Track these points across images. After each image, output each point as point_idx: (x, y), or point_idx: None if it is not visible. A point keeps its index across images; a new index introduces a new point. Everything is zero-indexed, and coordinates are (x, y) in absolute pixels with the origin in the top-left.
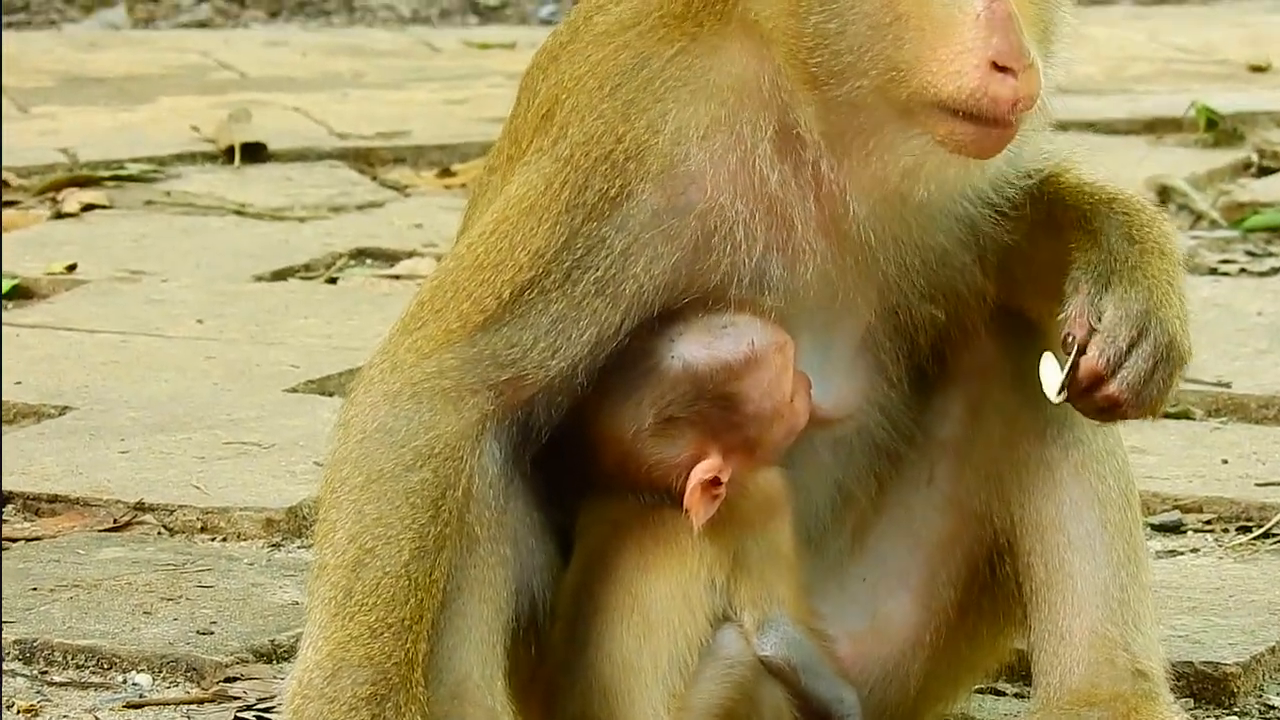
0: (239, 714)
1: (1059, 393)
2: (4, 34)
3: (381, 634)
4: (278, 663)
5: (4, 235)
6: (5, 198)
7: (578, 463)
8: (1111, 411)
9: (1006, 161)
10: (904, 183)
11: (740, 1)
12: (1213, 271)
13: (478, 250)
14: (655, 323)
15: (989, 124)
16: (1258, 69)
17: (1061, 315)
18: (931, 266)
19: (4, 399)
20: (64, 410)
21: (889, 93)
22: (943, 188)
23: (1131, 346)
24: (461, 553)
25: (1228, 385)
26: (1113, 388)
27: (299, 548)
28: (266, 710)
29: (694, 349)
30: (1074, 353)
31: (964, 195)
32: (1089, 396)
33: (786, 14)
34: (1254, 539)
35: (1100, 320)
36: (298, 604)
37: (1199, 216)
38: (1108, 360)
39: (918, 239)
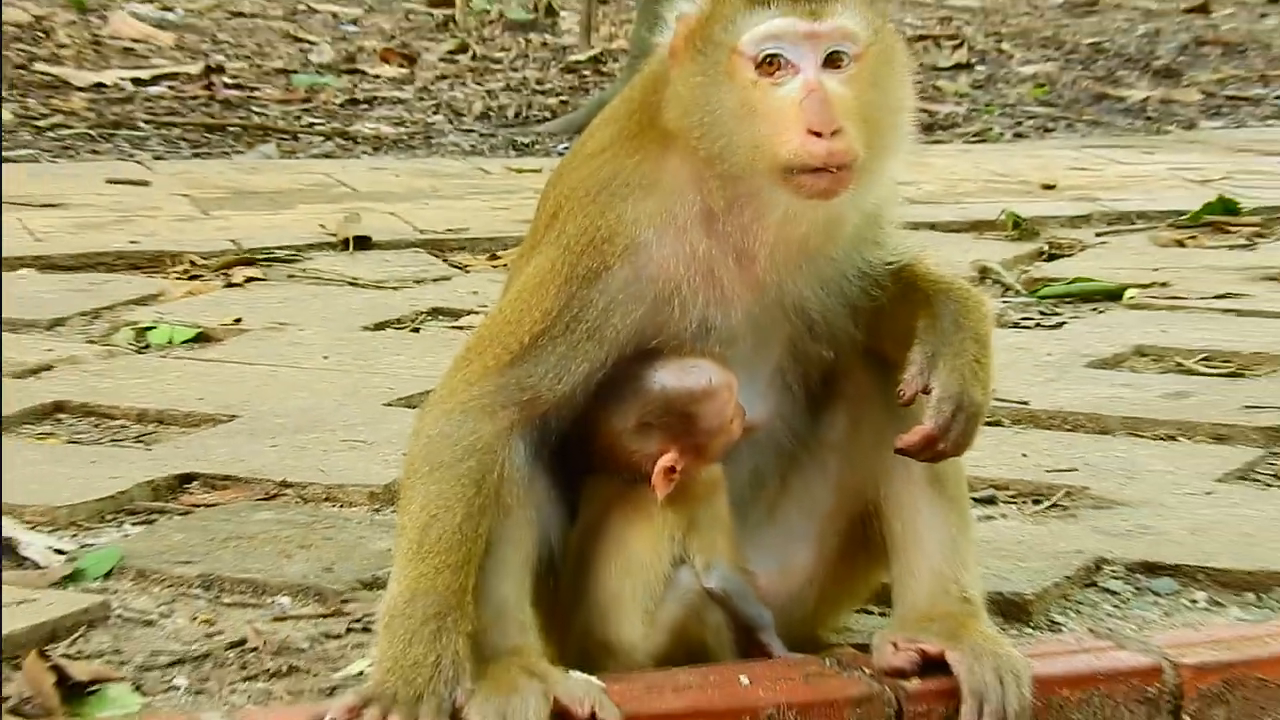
0: (350, 625)
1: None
2: (193, 161)
3: (443, 571)
4: (376, 590)
5: (191, 299)
6: (192, 273)
7: (581, 453)
8: (938, 457)
9: (871, 252)
10: (786, 228)
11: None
12: (1016, 326)
13: (506, 312)
14: (642, 357)
15: (819, 173)
16: (1048, 187)
17: (902, 379)
18: (821, 317)
19: (193, 412)
20: (232, 418)
21: (755, 165)
22: (814, 227)
23: (953, 415)
24: (499, 518)
25: (1026, 403)
26: (941, 445)
27: (390, 512)
28: (369, 622)
29: (670, 378)
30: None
31: (840, 263)
32: (924, 450)
33: (681, 115)
34: (1044, 509)
35: (930, 394)
36: (389, 551)
37: (1008, 288)
38: (936, 427)
39: (811, 292)
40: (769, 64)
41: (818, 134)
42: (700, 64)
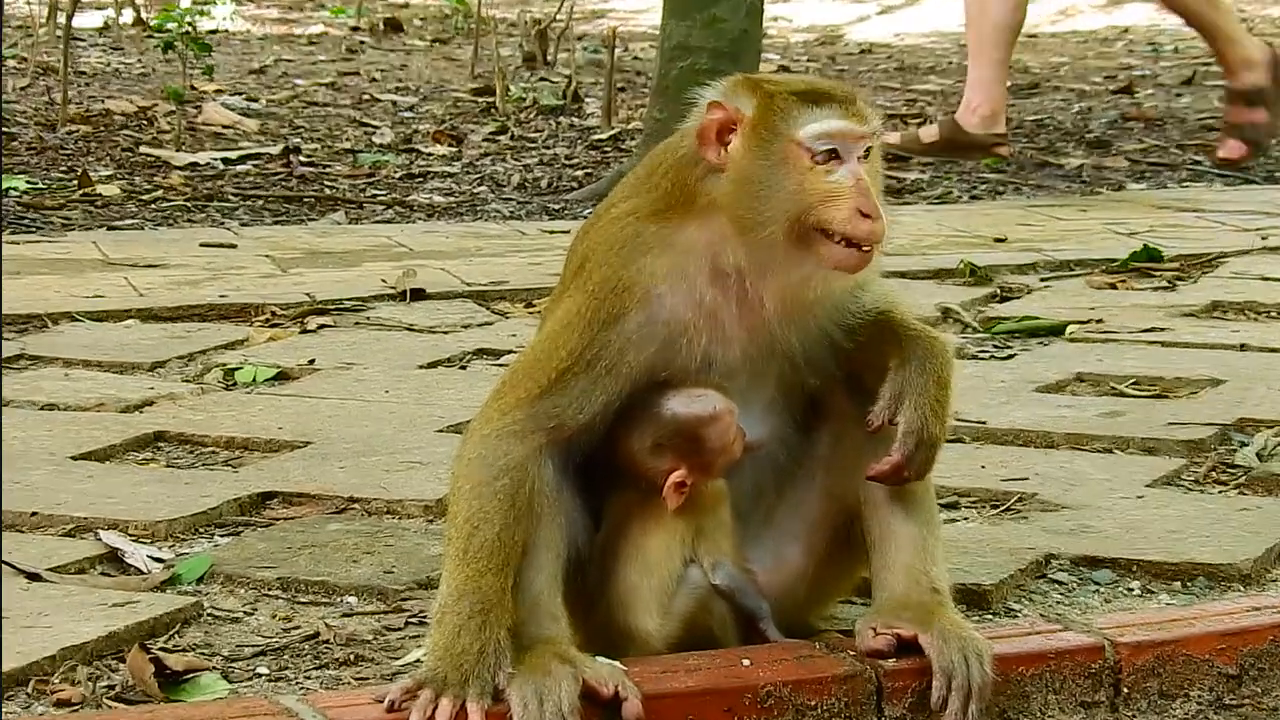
0: (408, 619)
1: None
2: (274, 227)
3: (485, 574)
4: (430, 590)
5: (272, 344)
6: (273, 322)
7: (606, 469)
8: (904, 483)
9: (855, 301)
10: (802, 288)
11: (702, 195)
12: (975, 357)
13: (537, 350)
14: (656, 387)
15: (856, 248)
16: (999, 240)
17: (871, 411)
18: (808, 355)
19: (273, 439)
20: (307, 444)
21: (790, 235)
22: (826, 291)
23: (916, 447)
24: (533, 525)
25: (984, 422)
26: (907, 473)
27: (442, 523)
28: (424, 618)
29: (680, 406)
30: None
31: (829, 311)
32: (892, 477)
33: (735, 190)
34: (1000, 512)
35: (896, 426)
36: (440, 556)
37: (967, 326)
38: (904, 457)
39: (800, 335)
40: (825, 155)
41: (866, 215)
42: (760, 150)
